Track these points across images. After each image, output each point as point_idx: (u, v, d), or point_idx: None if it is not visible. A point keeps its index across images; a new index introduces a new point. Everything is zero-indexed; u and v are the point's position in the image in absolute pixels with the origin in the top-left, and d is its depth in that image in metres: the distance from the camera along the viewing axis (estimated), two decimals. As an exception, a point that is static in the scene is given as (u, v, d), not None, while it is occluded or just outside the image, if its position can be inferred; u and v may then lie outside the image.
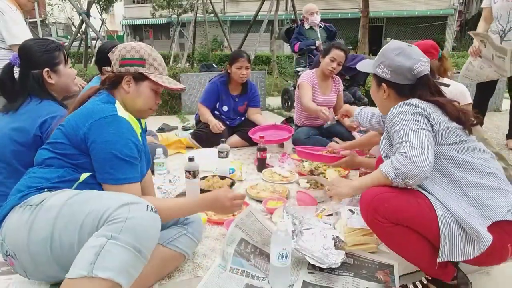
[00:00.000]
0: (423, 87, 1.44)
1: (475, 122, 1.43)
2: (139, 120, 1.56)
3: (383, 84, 1.53)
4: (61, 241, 1.10)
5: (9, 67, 1.71)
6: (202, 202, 1.44)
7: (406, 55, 1.46)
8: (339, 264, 1.51)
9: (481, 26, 3.41)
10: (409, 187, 1.33)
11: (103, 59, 2.49)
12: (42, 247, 1.11)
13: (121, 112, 1.35)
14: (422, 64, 1.45)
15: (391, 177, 1.29)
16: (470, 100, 2.55)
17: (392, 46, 1.52)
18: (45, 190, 1.23)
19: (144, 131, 1.63)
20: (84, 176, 1.30)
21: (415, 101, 1.39)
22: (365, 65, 1.70)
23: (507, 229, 1.24)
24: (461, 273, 1.39)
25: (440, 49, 2.51)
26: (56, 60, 1.75)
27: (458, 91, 2.47)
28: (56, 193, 1.21)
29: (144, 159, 1.48)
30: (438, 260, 1.24)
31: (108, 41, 2.85)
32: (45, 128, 1.64)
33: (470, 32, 3.26)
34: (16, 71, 1.72)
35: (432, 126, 1.34)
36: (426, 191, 1.33)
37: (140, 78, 1.43)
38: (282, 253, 1.36)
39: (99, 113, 1.29)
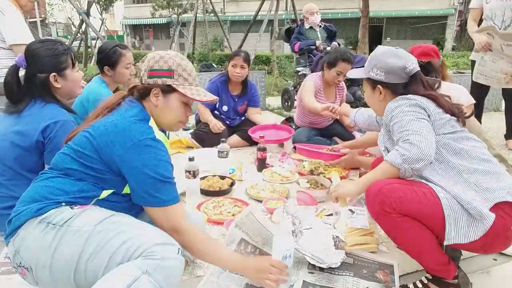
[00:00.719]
0: (417, 83, 1.53)
1: (467, 114, 1.53)
2: (164, 132, 1.53)
3: (378, 86, 1.60)
4: (87, 267, 1.09)
5: (14, 69, 1.68)
6: (241, 265, 1.33)
7: (397, 56, 1.55)
8: (339, 263, 1.51)
9: (472, 26, 3.40)
10: (411, 178, 1.38)
11: (104, 59, 2.49)
12: (66, 269, 1.10)
13: (157, 133, 1.30)
14: (413, 62, 1.55)
15: (398, 163, 1.34)
16: (473, 100, 2.55)
17: (380, 50, 1.60)
18: (63, 204, 1.19)
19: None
20: (105, 193, 1.26)
21: (410, 95, 1.49)
22: (355, 73, 1.77)
23: (509, 211, 1.27)
24: (462, 272, 1.39)
25: (440, 55, 2.51)
26: (63, 65, 1.72)
27: (460, 92, 2.48)
28: (82, 211, 1.17)
29: None
30: (445, 243, 1.26)
31: (109, 41, 2.84)
32: (47, 134, 1.62)
33: (475, 31, 3.24)
34: (21, 72, 1.71)
35: (428, 116, 1.42)
36: (427, 180, 1.37)
37: (168, 90, 1.36)
38: (286, 254, 1.36)
39: (137, 135, 1.22)
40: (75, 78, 1.78)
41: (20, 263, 1.15)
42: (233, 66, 3.37)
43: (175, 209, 1.25)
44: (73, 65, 1.77)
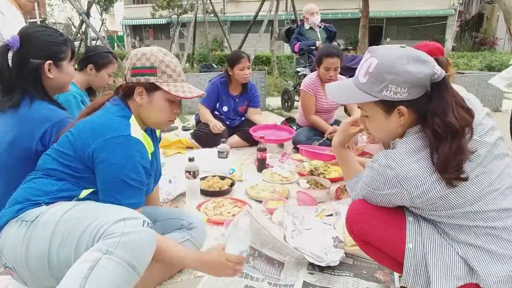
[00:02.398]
0: (442, 94, 1.08)
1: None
2: (153, 133, 1.52)
3: (400, 107, 1.10)
4: (59, 257, 1.08)
5: (4, 49, 1.45)
6: (195, 261, 1.26)
7: (419, 60, 1.07)
8: (338, 262, 1.51)
9: None
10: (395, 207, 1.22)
11: (94, 57, 2.42)
12: (40, 263, 1.10)
13: (135, 130, 1.26)
14: (436, 65, 1.09)
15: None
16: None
17: (392, 57, 1.08)
18: (42, 204, 1.18)
19: (158, 141, 1.60)
20: (84, 193, 1.25)
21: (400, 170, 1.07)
22: (341, 94, 1.25)
23: None
24: None
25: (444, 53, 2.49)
26: (62, 55, 1.55)
27: (462, 94, 2.47)
28: (51, 207, 1.17)
29: (154, 176, 1.45)
30: (401, 284, 1.20)
31: (96, 45, 2.80)
32: (46, 140, 1.45)
33: None
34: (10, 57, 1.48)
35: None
36: (416, 216, 1.19)
37: (152, 88, 1.32)
38: (242, 250, 1.31)
39: (111, 131, 1.21)
40: (70, 72, 1.61)
41: (6, 264, 1.16)
42: (241, 69, 3.35)
43: None
44: (71, 59, 1.62)
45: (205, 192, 2.35)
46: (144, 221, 1.10)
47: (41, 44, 1.49)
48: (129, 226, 1.05)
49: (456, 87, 2.27)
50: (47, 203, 1.19)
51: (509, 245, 1.05)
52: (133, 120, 1.31)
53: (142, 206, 1.28)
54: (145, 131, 1.42)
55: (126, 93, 1.35)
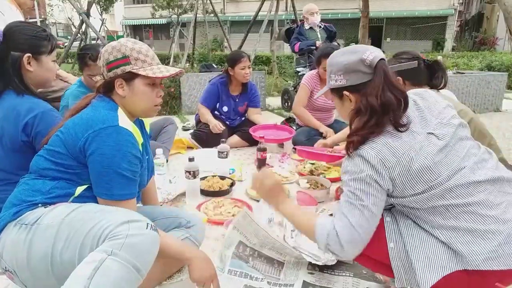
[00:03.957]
0: (379, 75, 1.18)
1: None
2: (142, 127, 1.53)
3: (344, 92, 1.27)
4: (62, 259, 1.08)
5: None
6: (185, 251, 1.30)
7: (349, 52, 1.24)
8: (335, 261, 1.52)
9: None
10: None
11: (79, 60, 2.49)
12: (42, 265, 1.10)
13: (123, 121, 1.27)
14: (372, 52, 1.21)
15: (320, 241, 1.15)
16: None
17: (332, 54, 1.32)
18: (39, 205, 1.19)
19: (149, 136, 1.60)
20: (79, 190, 1.25)
21: (365, 152, 1.12)
22: (321, 91, 1.44)
23: (487, 274, 1.06)
24: None
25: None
26: (41, 49, 1.59)
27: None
28: (51, 209, 1.17)
29: (146, 168, 1.44)
30: (396, 287, 1.18)
31: (89, 44, 2.84)
32: (29, 131, 1.50)
33: None
34: None
35: (381, 185, 1.12)
36: (393, 215, 1.22)
37: (130, 77, 1.33)
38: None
39: (99, 123, 1.22)
40: (50, 67, 1.64)
41: (5, 267, 1.16)
42: (242, 68, 3.35)
43: (125, 205, 1.23)
44: (50, 52, 1.64)
45: (205, 192, 2.35)
46: (147, 223, 1.11)
47: (21, 38, 1.55)
48: (134, 229, 1.06)
49: (445, 92, 2.26)
50: (43, 203, 1.19)
51: (487, 219, 1.07)
52: (120, 112, 1.32)
53: (134, 197, 1.28)
54: (134, 123, 1.41)
55: (107, 89, 1.36)
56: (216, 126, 3.33)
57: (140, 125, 1.52)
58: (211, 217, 2.02)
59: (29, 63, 1.56)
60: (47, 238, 1.10)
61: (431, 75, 1.98)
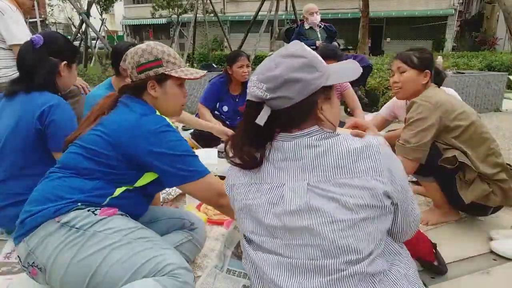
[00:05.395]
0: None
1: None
2: None
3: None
4: (107, 275, 1.09)
5: (29, 44, 1.70)
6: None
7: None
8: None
9: None
10: None
11: (119, 60, 2.48)
12: (82, 273, 1.10)
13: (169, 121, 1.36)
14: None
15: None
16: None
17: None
18: (79, 204, 1.19)
19: None
20: (118, 191, 1.27)
21: None
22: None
23: None
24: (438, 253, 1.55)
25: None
26: (74, 58, 1.85)
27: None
28: (108, 220, 1.18)
29: None
30: None
31: (121, 42, 2.84)
32: (44, 119, 1.63)
33: None
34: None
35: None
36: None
37: (163, 79, 1.38)
38: None
39: (153, 125, 1.27)
40: (75, 75, 1.91)
41: (34, 262, 1.15)
42: (240, 67, 3.35)
43: (211, 177, 1.33)
44: (78, 62, 1.88)
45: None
46: (194, 277, 1.19)
47: (63, 46, 1.78)
48: (190, 278, 1.15)
49: (447, 89, 2.26)
50: (83, 202, 1.19)
51: None
52: (158, 114, 1.37)
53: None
54: None
55: (136, 91, 1.39)
56: (227, 133, 3.20)
57: None
58: (211, 217, 2.02)
59: (63, 70, 1.77)
60: (102, 248, 1.11)
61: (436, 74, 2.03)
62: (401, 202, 0.95)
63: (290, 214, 0.91)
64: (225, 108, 3.56)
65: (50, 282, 1.16)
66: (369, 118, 3.18)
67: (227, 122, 3.58)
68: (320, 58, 0.97)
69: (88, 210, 1.18)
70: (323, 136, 0.93)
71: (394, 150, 2.74)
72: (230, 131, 3.00)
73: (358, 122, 1.10)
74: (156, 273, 1.09)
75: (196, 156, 1.32)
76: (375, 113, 3.33)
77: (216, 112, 3.57)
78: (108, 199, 1.24)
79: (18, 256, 1.19)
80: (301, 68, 0.91)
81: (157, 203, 1.80)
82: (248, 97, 0.96)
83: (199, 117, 3.60)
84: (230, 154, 1.01)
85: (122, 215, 1.25)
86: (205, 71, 1.48)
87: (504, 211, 2.05)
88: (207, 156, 2.88)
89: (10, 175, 1.65)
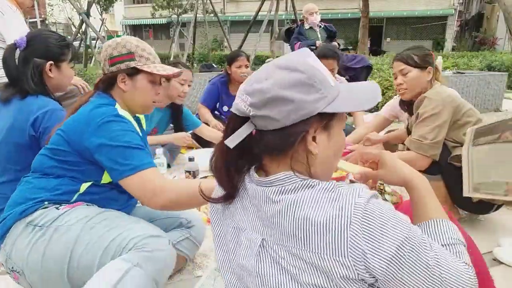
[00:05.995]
0: None
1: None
2: (139, 124, 1.54)
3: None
4: (80, 263, 1.09)
5: (12, 47, 1.63)
6: None
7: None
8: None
9: None
10: None
11: None
12: (57, 268, 1.10)
13: (122, 112, 1.31)
14: None
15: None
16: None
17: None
18: (46, 202, 1.19)
19: (145, 133, 1.61)
20: (84, 186, 1.26)
21: None
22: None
23: None
24: None
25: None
26: (63, 57, 1.71)
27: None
28: (69, 211, 1.17)
29: None
30: None
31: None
32: (37, 126, 1.57)
33: None
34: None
35: None
36: None
37: (134, 73, 1.36)
38: None
39: (99, 115, 1.23)
40: (68, 73, 1.76)
41: (13, 267, 1.16)
42: (238, 67, 3.36)
43: (149, 173, 1.20)
44: (71, 60, 1.76)
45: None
46: (169, 240, 1.16)
47: (45, 45, 1.65)
48: (160, 244, 1.11)
49: (450, 89, 2.26)
50: (50, 201, 1.19)
51: None
52: (118, 106, 1.33)
53: (154, 166, 1.25)
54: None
55: (107, 84, 1.37)
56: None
57: (138, 122, 1.53)
58: (211, 217, 2.01)
59: (50, 70, 1.66)
60: (66, 241, 1.11)
61: None
62: (395, 278, 0.68)
63: (240, 267, 0.80)
64: (225, 108, 3.56)
65: (32, 283, 1.16)
66: (368, 118, 3.18)
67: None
68: (327, 76, 0.75)
69: (49, 203, 1.19)
70: (287, 188, 0.73)
71: (393, 150, 2.76)
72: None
73: (363, 154, 1.00)
74: (122, 251, 1.08)
75: (139, 148, 1.22)
76: (375, 113, 3.33)
77: (216, 112, 3.57)
78: (75, 196, 1.24)
79: (2, 264, 1.21)
80: (294, 86, 0.71)
81: None
82: (232, 109, 0.78)
83: (199, 117, 3.60)
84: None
85: (87, 205, 1.24)
86: (180, 70, 1.46)
87: (506, 213, 2.05)
88: (207, 156, 2.87)
89: (6, 179, 1.62)
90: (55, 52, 1.68)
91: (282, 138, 0.73)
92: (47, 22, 25.07)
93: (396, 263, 0.67)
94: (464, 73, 5.50)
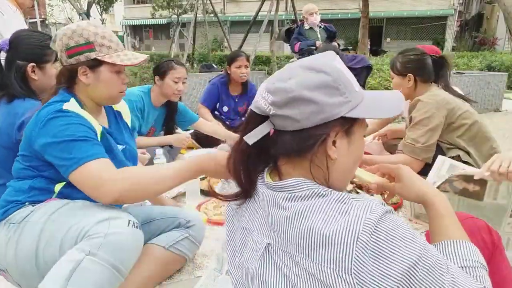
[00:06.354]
0: None
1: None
2: (119, 115, 1.49)
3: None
4: (45, 257, 1.08)
5: None
6: (195, 164, 1.13)
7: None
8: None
9: None
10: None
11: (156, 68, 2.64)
12: (29, 263, 1.10)
13: (70, 106, 1.21)
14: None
15: None
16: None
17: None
18: (26, 203, 1.19)
19: (127, 127, 1.55)
20: (59, 187, 1.23)
21: None
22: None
23: None
24: None
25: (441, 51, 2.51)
26: (45, 58, 1.64)
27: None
28: (40, 207, 1.16)
29: (122, 159, 1.37)
30: None
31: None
32: (22, 130, 1.50)
33: None
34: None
35: None
36: None
37: (95, 64, 1.25)
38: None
39: (44, 115, 1.16)
40: (53, 74, 1.66)
41: (0, 267, 1.17)
42: (237, 67, 3.36)
43: (98, 164, 1.10)
44: (55, 61, 1.69)
45: (205, 192, 2.35)
46: (129, 220, 1.08)
47: (26, 48, 1.61)
48: (113, 227, 1.04)
49: (457, 88, 2.26)
50: (30, 202, 1.19)
51: None
52: (72, 101, 1.24)
53: (106, 157, 1.15)
54: (107, 114, 1.41)
55: (68, 77, 1.28)
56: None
57: (115, 115, 1.48)
58: (211, 217, 2.02)
59: (33, 71, 1.62)
60: (33, 235, 1.09)
61: (437, 71, 2.00)
62: None
63: (244, 269, 0.80)
64: (225, 109, 3.57)
65: (18, 281, 1.16)
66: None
67: (227, 122, 3.58)
68: (352, 80, 0.74)
69: (29, 204, 1.19)
70: (297, 195, 0.71)
71: (393, 150, 2.76)
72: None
73: (380, 168, 0.98)
74: (77, 241, 1.04)
75: (84, 140, 1.13)
76: None
77: (216, 112, 3.57)
78: (54, 195, 1.23)
79: None
80: (318, 87, 0.69)
81: (162, 203, 1.80)
82: (251, 106, 0.77)
83: (199, 117, 3.61)
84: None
85: (61, 200, 1.21)
86: (144, 56, 1.34)
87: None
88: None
89: (2, 183, 1.58)
90: (37, 53, 1.62)
91: (301, 140, 0.71)
92: (47, 22, 25.07)
93: (406, 284, 0.63)
94: (464, 73, 5.50)
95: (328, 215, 0.66)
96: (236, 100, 3.57)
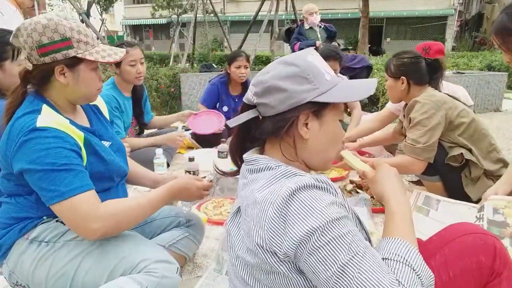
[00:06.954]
0: None
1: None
2: (98, 110, 1.43)
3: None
4: (85, 280, 1.09)
5: None
6: (168, 194, 1.23)
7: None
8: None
9: None
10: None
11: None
12: (61, 282, 1.10)
13: (43, 121, 1.09)
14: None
15: None
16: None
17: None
18: (44, 217, 1.16)
19: (108, 121, 1.47)
20: None
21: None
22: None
23: None
24: None
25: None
26: (3, 55, 1.54)
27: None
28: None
29: (112, 156, 1.29)
30: None
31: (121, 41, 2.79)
32: None
33: None
34: None
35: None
36: None
37: (74, 63, 1.14)
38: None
39: (16, 134, 1.06)
40: (15, 72, 1.49)
41: (17, 282, 1.16)
42: (237, 67, 3.36)
43: (82, 200, 1.05)
44: (15, 58, 1.58)
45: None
46: (178, 268, 1.15)
47: None
48: (169, 271, 1.10)
49: (456, 86, 2.27)
50: (48, 216, 1.16)
51: None
52: (44, 110, 1.14)
53: (90, 190, 1.09)
54: (86, 112, 1.33)
55: (41, 77, 1.15)
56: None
57: (93, 111, 1.40)
58: (211, 217, 2.02)
59: None
60: (74, 257, 1.11)
61: (431, 74, 2.00)
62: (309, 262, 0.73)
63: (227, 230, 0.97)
64: (225, 108, 3.56)
65: None
66: (368, 118, 3.18)
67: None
68: (324, 72, 0.84)
69: (56, 221, 1.16)
70: (255, 167, 0.86)
71: (392, 150, 2.76)
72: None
73: (376, 161, 1.05)
74: (131, 271, 1.07)
75: (67, 169, 1.05)
76: (376, 113, 3.33)
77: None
78: None
79: (5, 277, 1.20)
80: (288, 77, 0.82)
81: (150, 175, 1.78)
82: (243, 98, 0.93)
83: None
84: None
85: None
86: (122, 49, 1.26)
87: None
88: (207, 156, 2.88)
89: None
90: None
91: (276, 123, 0.85)
92: (47, 22, 25.04)
93: (302, 248, 0.72)
94: (464, 73, 5.50)
95: (265, 184, 0.81)
96: (236, 100, 3.57)
